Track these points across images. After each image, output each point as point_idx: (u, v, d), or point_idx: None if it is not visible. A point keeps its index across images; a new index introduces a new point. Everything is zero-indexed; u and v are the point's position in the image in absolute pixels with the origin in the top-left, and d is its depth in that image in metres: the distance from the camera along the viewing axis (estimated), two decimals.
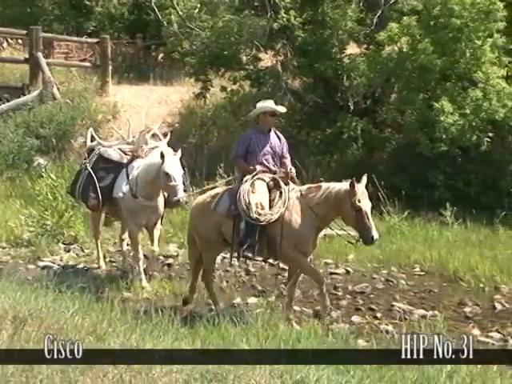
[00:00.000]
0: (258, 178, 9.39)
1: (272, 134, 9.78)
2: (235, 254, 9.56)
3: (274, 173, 9.55)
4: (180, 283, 11.01)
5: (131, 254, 11.49)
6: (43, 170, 16.74)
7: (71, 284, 9.14)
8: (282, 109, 10.09)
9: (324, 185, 9.33)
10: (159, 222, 11.35)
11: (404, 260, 12.91)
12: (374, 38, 16.97)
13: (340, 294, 10.95)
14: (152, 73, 24.49)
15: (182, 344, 7.00)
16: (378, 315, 10.13)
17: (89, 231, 13.36)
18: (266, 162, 9.60)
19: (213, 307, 9.72)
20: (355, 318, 9.96)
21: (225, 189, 9.88)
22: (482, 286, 11.61)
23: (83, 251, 13.20)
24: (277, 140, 9.79)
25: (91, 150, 11.56)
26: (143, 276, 10.77)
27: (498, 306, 10.76)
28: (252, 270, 12.28)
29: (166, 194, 10.80)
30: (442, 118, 15.18)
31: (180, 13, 19.59)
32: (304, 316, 9.67)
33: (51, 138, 18.91)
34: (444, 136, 15.35)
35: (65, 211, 13.43)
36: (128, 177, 10.85)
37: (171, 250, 13.08)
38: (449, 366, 6.46)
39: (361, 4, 17.71)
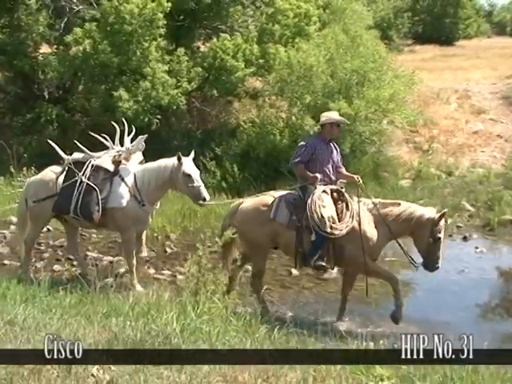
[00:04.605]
0: (323, 191, 8.09)
1: (332, 143, 8.57)
2: (302, 264, 8.30)
3: (334, 182, 8.34)
4: None
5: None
6: None
7: None
8: (345, 120, 8.98)
9: (404, 204, 8.25)
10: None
11: None
12: (63, 40, 16.63)
13: (43, 248, 10.93)
14: None
15: None
16: (75, 263, 10.17)
17: None
18: (328, 172, 8.35)
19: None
20: (56, 267, 10.10)
21: (276, 196, 8.36)
22: (155, 235, 12.04)
23: None
24: (335, 150, 8.56)
25: (78, 163, 9.09)
26: (135, 280, 8.97)
27: (168, 250, 11.36)
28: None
29: None
30: (120, 104, 15.33)
31: None
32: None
33: None
34: (123, 118, 15.44)
35: None
36: (126, 184, 8.91)
37: None
38: None
39: (50, 12, 17.33)
